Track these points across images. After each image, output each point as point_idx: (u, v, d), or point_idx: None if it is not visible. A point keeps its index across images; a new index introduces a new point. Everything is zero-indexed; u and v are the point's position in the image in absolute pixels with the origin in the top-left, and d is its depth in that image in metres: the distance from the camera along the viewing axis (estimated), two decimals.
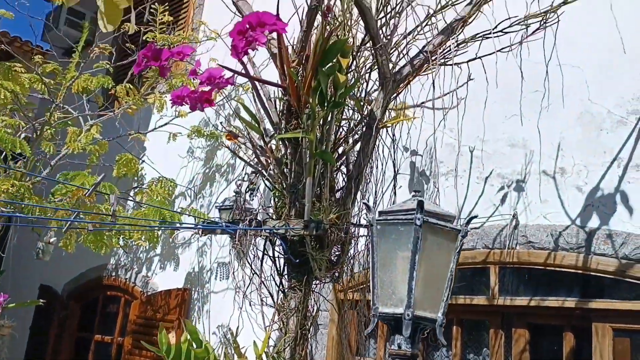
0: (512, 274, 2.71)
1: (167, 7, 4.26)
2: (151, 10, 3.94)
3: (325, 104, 1.76)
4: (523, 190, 2.79)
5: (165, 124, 4.32)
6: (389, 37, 1.87)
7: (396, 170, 2.09)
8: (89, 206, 3.18)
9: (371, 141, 1.89)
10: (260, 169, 1.98)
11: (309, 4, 1.79)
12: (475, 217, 1.66)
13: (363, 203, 1.64)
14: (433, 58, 1.88)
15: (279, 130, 1.87)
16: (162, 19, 4.01)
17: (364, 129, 1.92)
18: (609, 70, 2.61)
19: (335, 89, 1.76)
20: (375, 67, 1.91)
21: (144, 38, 3.88)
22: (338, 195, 1.93)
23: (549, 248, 2.59)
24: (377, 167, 2.00)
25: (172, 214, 3.77)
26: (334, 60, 1.71)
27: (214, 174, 4.58)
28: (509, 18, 1.91)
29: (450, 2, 1.91)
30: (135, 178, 4.67)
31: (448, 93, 2.25)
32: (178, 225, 3.76)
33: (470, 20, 1.85)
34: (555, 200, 2.67)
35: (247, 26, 1.47)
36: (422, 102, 2.43)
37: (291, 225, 1.81)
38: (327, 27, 1.75)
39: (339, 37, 1.88)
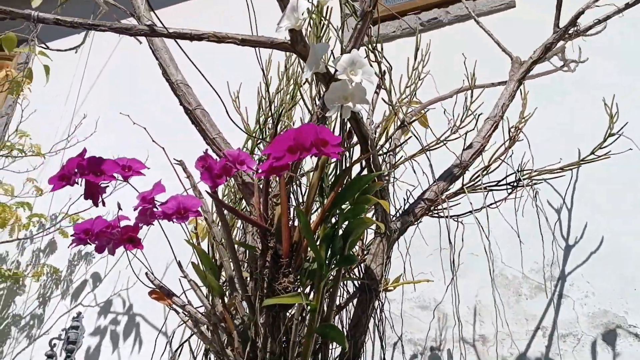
0: None
1: None
2: None
3: (333, 258, 1.27)
4: (439, 359, 2.48)
5: None
6: (391, 175, 1.50)
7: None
8: None
9: (369, 309, 1.42)
10: (205, 343, 1.35)
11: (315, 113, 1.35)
12: None
13: None
14: (433, 207, 1.54)
15: (254, 290, 1.30)
16: None
17: (359, 292, 1.44)
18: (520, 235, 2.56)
19: (345, 237, 1.29)
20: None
21: None
22: None
23: None
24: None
25: None
26: (358, 198, 1.27)
27: (8, 328, 3.48)
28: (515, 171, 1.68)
29: (441, 139, 1.64)
30: None
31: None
32: None
33: (486, 168, 1.57)
34: None
35: (303, 142, 0.96)
36: None
37: None
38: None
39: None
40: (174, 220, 1.13)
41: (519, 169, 1.63)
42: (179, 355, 1.46)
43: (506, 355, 2.39)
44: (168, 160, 1.42)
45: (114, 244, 1.35)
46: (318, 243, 1.25)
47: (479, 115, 1.72)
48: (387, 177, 1.49)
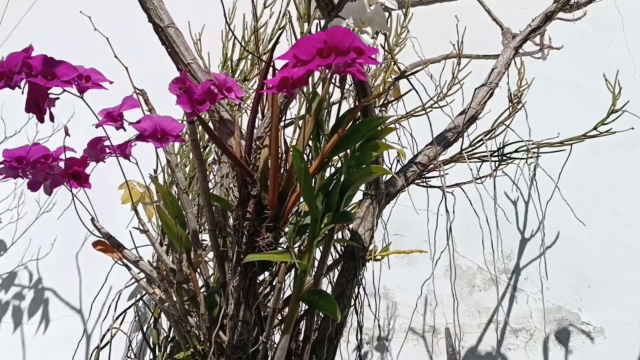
0: None
1: None
2: None
3: (327, 214, 1.07)
4: (387, 350, 2.33)
5: None
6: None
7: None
8: None
9: (356, 278, 1.23)
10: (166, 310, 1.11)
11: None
12: None
13: None
14: (424, 174, 1.38)
15: (236, 246, 1.08)
16: None
17: (343, 259, 1.25)
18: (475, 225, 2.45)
19: (342, 190, 1.09)
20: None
21: None
22: None
23: None
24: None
25: None
26: (364, 145, 1.08)
27: None
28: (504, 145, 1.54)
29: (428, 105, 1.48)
30: None
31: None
32: None
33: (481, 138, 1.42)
34: None
35: (339, 44, 0.76)
36: None
37: None
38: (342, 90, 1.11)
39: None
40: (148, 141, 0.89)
41: (501, 144, 1.50)
42: (120, 324, 1.21)
43: (457, 348, 2.28)
44: (132, 87, 1.16)
45: (53, 181, 1.09)
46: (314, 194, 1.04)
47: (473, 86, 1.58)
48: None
